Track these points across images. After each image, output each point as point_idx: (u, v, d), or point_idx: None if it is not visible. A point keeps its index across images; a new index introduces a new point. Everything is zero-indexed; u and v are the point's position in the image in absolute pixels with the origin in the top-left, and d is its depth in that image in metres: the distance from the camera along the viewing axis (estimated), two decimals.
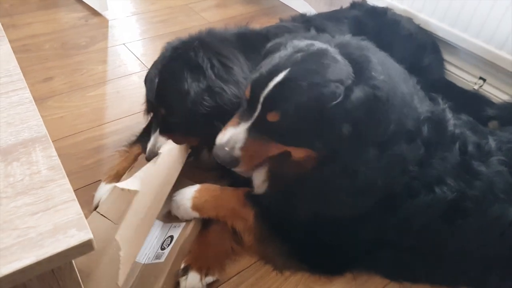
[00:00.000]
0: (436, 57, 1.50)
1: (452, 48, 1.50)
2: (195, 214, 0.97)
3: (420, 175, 0.84)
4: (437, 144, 0.86)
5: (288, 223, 0.93)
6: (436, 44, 1.51)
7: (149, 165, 0.93)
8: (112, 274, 0.72)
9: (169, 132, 1.03)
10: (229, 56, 1.03)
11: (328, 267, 0.97)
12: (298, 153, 0.82)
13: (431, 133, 0.86)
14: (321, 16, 1.41)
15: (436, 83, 1.37)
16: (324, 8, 1.72)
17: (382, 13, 1.46)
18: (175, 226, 0.99)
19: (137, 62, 1.67)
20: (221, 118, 1.00)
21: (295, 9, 2.08)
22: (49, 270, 0.46)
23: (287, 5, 2.15)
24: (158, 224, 1.02)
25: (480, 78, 1.47)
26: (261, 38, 1.14)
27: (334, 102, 0.74)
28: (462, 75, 1.53)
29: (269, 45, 0.90)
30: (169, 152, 0.98)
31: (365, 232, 0.90)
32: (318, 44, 0.82)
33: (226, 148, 0.82)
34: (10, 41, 0.74)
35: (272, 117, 0.77)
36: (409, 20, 1.50)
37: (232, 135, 0.82)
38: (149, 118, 1.18)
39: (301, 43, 0.83)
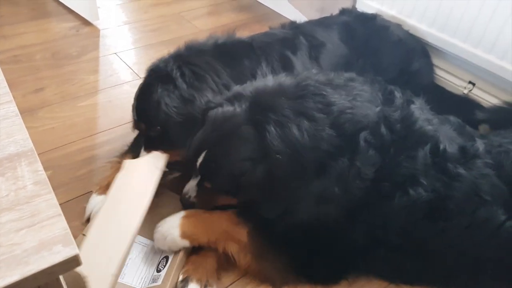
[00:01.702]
0: (426, 62, 1.51)
1: (441, 53, 1.51)
2: (185, 243, 0.92)
3: (386, 176, 0.86)
4: (397, 142, 0.88)
5: (282, 235, 0.93)
6: (426, 49, 1.53)
7: (118, 179, 0.94)
8: None
9: (153, 147, 1.05)
10: (201, 64, 1.05)
11: (325, 276, 0.96)
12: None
13: (382, 136, 0.88)
14: (310, 22, 1.42)
15: (426, 88, 1.38)
16: (316, 15, 1.73)
17: (371, 19, 1.47)
18: None
19: (129, 71, 1.66)
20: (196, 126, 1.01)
21: (287, 16, 2.09)
22: (35, 287, 0.46)
23: (279, 13, 2.16)
24: (152, 245, 0.99)
25: (470, 82, 1.49)
26: (243, 46, 1.16)
27: (245, 177, 0.87)
28: (451, 80, 1.54)
29: (210, 104, 0.97)
30: (139, 162, 1.01)
31: (352, 238, 0.91)
32: (234, 119, 0.88)
33: (186, 196, 0.98)
34: (0, 52, 0.73)
35: (207, 184, 0.94)
36: (398, 26, 1.51)
37: (189, 187, 0.98)
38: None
39: (222, 113, 0.91)
